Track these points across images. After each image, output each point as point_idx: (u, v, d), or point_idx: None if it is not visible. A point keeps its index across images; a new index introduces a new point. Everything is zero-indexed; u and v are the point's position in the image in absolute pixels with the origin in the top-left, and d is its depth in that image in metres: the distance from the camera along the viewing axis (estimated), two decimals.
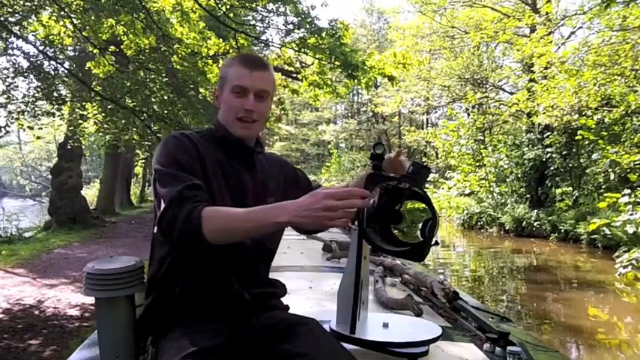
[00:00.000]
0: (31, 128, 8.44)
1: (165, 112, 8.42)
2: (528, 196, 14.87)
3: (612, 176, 11.49)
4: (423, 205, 1.33)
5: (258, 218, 1.19)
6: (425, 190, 1.33)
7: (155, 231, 1.39)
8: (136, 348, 1.40)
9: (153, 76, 8.24)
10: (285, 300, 1.53)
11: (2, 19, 7.05)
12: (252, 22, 11.01)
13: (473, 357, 1.54)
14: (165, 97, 8.32)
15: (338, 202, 1.13)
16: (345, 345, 1.34)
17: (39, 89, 7.80)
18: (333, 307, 1.48)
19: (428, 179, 1.34)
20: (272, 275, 1.57)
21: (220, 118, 1.47)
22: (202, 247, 1.21)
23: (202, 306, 1.35)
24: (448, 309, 2.00)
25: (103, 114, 8.53)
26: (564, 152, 13.64)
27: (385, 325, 1.50)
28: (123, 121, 8.45)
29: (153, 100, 8.30)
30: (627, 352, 5.28)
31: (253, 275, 1.44)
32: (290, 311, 1.49)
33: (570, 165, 13.59)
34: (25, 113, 8.13)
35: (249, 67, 1.42)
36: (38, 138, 10.00)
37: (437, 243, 1.31)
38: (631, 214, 9.14)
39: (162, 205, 1.23)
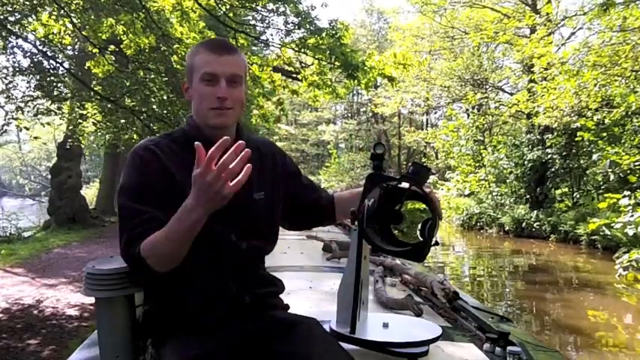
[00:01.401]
0: (27, 129, 8.43)
1: (165, 112, 8.42)
2: (528, 196, 14.87)
3: (612, 177, 11.49)
4: (424, 206, 1.33)
5: (177, 229, 1.19)
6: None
7: None
8: (136, 348, 1.40)
9: (152, 76, 8.24)
10: (285, 300, 1.52)
11: (2, 17, 7.04)
12: (252, 22, 11.01)
13: (473, 357, 1.54)
14: (165, 97, 8.32)
15: (213, 171, 1.11)
16: (345, 345, 1.34)
17: (39, 87, 7.80)
18: (333, 307, 1.48)
19: (428, 180, 1.34)
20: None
21: (193, 112, 1.39)
22: (156, 278, 1.25)
23: (202, 311, 1.33)
24: (448, 309, 2.00)
25: (102, 114, 8.53)
26: (564, 153, 13.65)
27: (385, 325, 1.49)
28: (122, 121, 8.45)
29: (152, 100, 8.30)
30: (627, 352, 5.28)
31: (252, 277, 1.43)
32: (290, 311, 1.48)
33: (570, 166, 13.59)
34: (25, 112, 8.13)
35: (216, 52, 1.34)
36: (36, 138, 9.97)
37: (437, 243, 1.31)
38: (631, 216, 9.13)
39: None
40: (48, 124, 9.41)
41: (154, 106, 8.44)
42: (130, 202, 1.27)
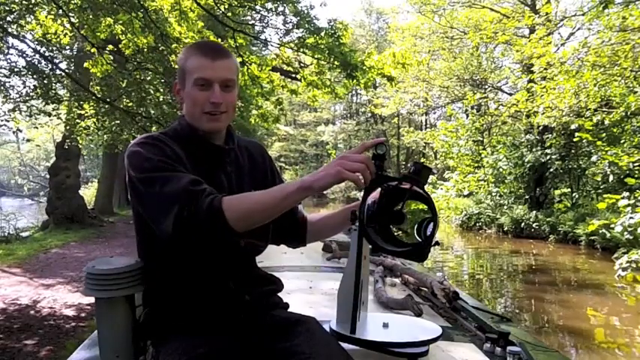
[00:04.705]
0: (20, 131, 8.43)
1: (161, 113, 8.37)
2: (527, 197, 14.88)
3: (611, 178, 11.49)
4: (425, 206, 1.33)
5: (277, 193, 1.18)
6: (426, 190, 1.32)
7: (138, 246, 1.39)
8: (136, 348, 1.40)
9: (150, 77, 8.21)
10: (284, 300, 1.53)
11: None
12: (251, 22, 11.01)
13: (473, 357, 1.54)
14: (161, 98, 8.31)
15: (352, 155, 1.18)
16: (345, 345, 1.34)
17: (35, 87, 7.79)
18: (333, 307, 1.48)
19: (429, 179, 1.33)
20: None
21: (186, 114, 1.39)
22: (226, 239, 1.19)
23: (202, 311, 1.34)
24: (448, 309, 2.00)
25: (98, 116, 8.52)
26: (563, 154, 13.65)
27: (385, 325, 1.49)
28: (117, 121, 8.43)
29: (148, 101, 8.28)
30: (626, 352, 5.29)
31: (250, 275, 1.43)
32: (290, 311, 1.48)
33: (569, 166, 13.59)
34: (22, 113, 8.12)
35: (210, 57, 1.33)
36: (29, 140, 9.97)
37: (437, 243, 1.30)
38: (630, 217, 9.13)
39: (171, 208, 1.15)
40: (42, 125, 9.39)
41: (150, 109, 8.44)
42: (157, 172, 1.22)
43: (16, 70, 7.72)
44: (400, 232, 1.38)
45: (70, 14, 7.54)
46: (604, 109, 11.80)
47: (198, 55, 1.34)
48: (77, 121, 9.10)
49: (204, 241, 1.20)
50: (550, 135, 14.05)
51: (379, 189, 1.34)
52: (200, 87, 1.33)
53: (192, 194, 1.17)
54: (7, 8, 7.03)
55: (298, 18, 8.39)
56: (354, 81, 8.68)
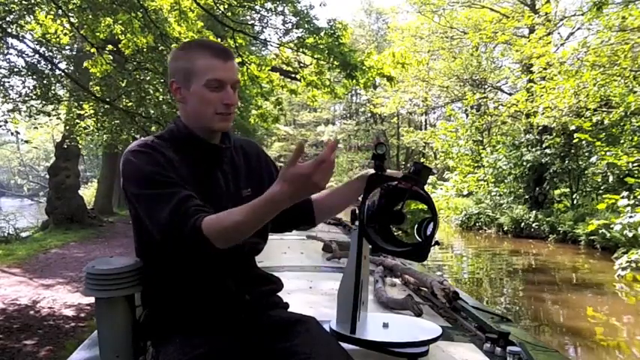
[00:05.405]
0: (18, 132, 8.41)
1: (160, 113, 8.36)
2: (527, 197, 14.87)
3: (611, 178, 11.49)
4: (425, 206, 1.33)
5: (257, 215, 1.17)
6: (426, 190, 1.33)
7: (137, 247, 1.40)
8: (136, 348, 1.40)
9: (149, 77, 8.21)
10: (284, 300, 1.52)
11: None
12: (251, 22, 11.01)
13: (473, 357, 1.54)
14: (161, 98, 8.29)
15: (325, 169, 1.12)
16: (345, 345, 1.34)
17: (34, 87, 7.78)
18: (333, 307, 1.48)
19: (428, 179, 1.33)
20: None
21: (189, 114, 1.38)
22: (214, 253, 1.20)
23: (202, 310, 1.34)
24: (448, 309, 2.00)
25: (99, 114, 8.51)
26: (562, 154, 13.65)
27: (385, 325, 1.49)
28: (117, 121, 8.43)
29: (148, 101, 8.27)
30: (626, 352, 5.29)
31: (249, 275, 1.43)
32: (290, 311, 1.48)
33: (569, 166, 13.59)
34: (22, 113, 8.12)
35: (222, 58, 1.33)
36: (27, 142, 9.95)
37: (437, 243, 1.30)
38: (630, 217, 9.12)
39: (159, 228, 1.21)
40: (42, 125, 9.36)
41: (150, 109, 8.43)
42: (149, 189, 1.24)
43: (15, 70, 7.71)
44: (400, 232, 1.38)
45: (70, 14, 7.53)
46: (603, 109, 11.80)
47: (209, 56, 1.33)
48: (77, 121, 9.09)
49: (192, 256, 1.24)
50: (549, 135, 14.05)
51: (379, 189, 1.34)
52: (212, 88, 1.32)
53: (174, 219, 1.18)
54: (6, 8, 7.02)
55: (298, 18, 8.39)
56: (354, 81, 8.67)
